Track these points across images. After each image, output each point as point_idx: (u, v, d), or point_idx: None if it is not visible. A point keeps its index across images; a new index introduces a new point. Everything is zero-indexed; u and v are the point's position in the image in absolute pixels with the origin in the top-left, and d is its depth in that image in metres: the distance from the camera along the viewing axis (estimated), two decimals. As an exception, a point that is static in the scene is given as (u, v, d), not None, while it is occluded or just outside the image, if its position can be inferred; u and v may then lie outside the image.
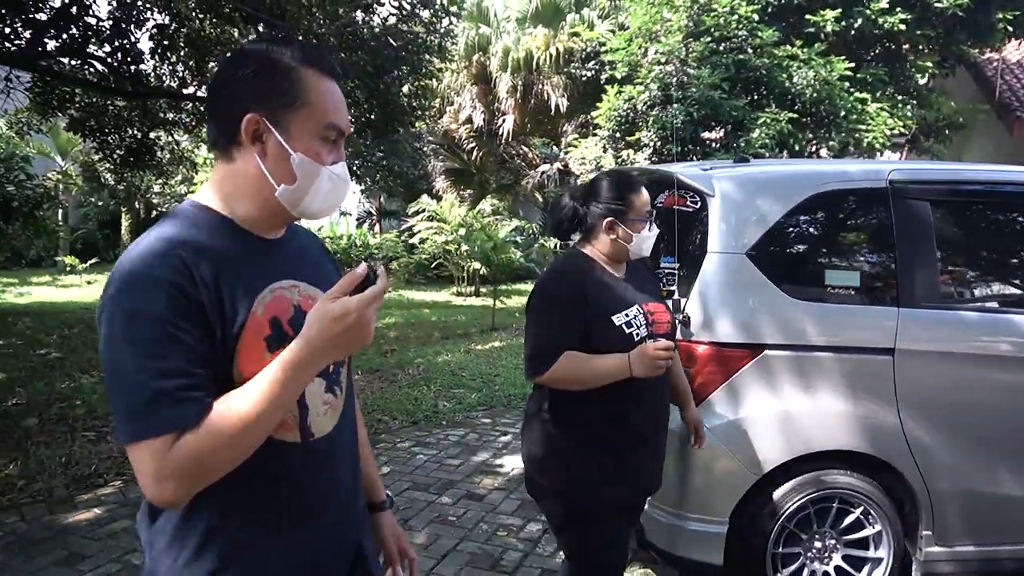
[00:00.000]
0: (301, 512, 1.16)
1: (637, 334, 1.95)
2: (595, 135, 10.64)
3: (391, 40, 8.51)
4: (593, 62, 11.64)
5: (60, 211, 16.75)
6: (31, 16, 8.07)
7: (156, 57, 9.40)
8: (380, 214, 20.48)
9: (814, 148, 8.76)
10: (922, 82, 10.32)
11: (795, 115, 8.25)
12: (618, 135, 9.83)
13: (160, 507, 1.05)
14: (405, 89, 9.61)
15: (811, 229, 2.75)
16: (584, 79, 12.44)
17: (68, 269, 15.30)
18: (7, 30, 8.24)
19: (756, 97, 8.88)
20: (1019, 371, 2.63)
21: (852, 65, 8.45)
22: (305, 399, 1.14)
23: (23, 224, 10.53)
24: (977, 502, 2.63)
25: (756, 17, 8.66)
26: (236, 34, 9.34)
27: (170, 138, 12.05)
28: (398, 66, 8.93)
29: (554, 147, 12.67)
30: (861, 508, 2.62)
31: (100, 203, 19.06)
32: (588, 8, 13.86)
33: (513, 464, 4.39)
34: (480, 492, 3.95)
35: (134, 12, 8.71)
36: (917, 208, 2.65)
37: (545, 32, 14.29)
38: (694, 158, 8.66)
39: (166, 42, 9.18)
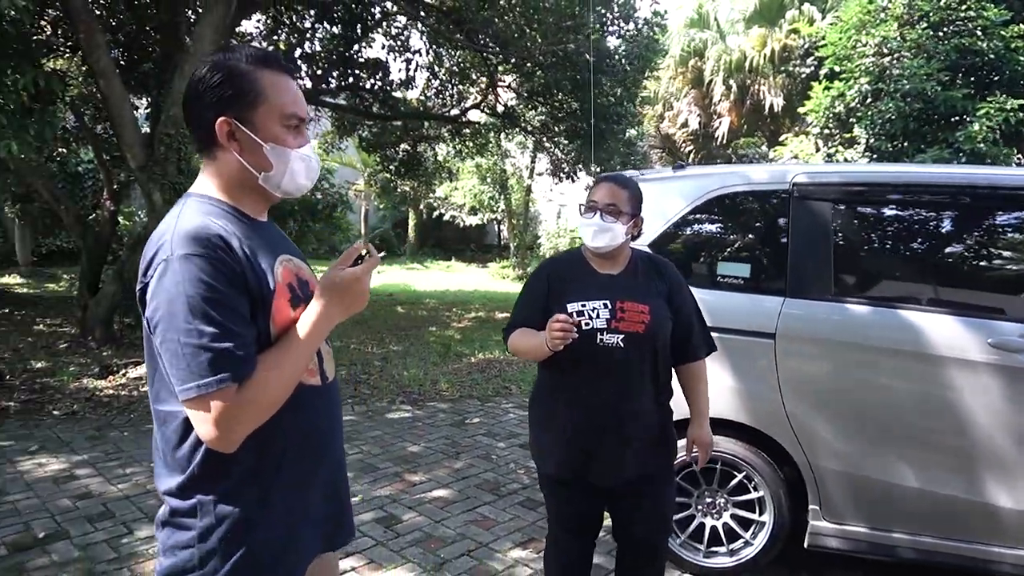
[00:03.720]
0: (319, 444, 1.36)
1: (587, 323, 2.03)
2: (806, 133, 10.30)
3: (587, 56, 9.39)
4: (811, 59, 11.13)
5: (362, 211, 20.70)
6: (318, 65, 10.67)
7: (411, 86, 11.57)
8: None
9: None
10: None
11: (1028, 102, 7.31)
12: (827, 132, 9.50)
13: (219, 449, 1.16)
14: (610, 99, 10.41)
15: (708, 225, 3.08)
16: (802, 76, 11.91)
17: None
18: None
19: (981, 85, 7.97)
20: (906, 363, 2.66)
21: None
22: (320, 349, 1.37)
23: (324, 222, 13.64)
24: (866, 485, 2.74)
25: (983, -5, 7.80)
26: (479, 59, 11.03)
27: (432, 151, 14.49)
28: (599, 78, 9.79)
29: (764, 147, 12.26)
30: (744, 473, 2.94)
31: (391, 207, 23.14)
32: (809, 3, 13.07)
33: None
34: (533, 444, 4.74)
35: (397, 51, 10.97)
36: (816, 208, 2.86)
37: (761, 32, 13.84)
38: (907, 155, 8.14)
39: (428, 75, 11.41)
